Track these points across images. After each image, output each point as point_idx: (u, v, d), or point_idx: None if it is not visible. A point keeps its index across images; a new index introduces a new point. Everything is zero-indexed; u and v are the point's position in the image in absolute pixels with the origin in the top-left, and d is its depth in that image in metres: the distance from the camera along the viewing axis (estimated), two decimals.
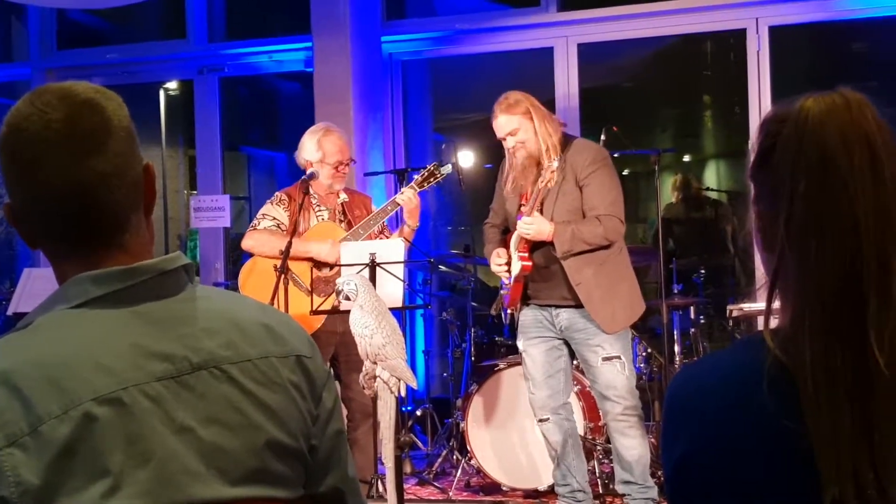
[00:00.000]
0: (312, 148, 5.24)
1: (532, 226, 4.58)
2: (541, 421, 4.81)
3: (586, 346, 4.68)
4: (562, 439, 4.77)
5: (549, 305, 4.75)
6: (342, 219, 5.26)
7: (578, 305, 4.66)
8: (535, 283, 4.75)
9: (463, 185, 6.30)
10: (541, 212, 4.65)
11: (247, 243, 5.21)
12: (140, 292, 1.33)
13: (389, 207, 5.16)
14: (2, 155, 1.35)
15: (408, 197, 5.13)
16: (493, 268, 4.83)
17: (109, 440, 1.22)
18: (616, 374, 4.64)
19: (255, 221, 5.24)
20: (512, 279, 4.75)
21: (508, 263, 4.77)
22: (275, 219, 5.20)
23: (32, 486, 1.18)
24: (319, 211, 5.24)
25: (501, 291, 4.92)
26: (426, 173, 5.22)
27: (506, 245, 4.82)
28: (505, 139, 4.71)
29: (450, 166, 5.28)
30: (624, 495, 4.76)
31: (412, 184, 5.22)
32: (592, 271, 4.64)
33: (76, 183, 1.32)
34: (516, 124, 4.66)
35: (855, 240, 1.17)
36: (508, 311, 4.91)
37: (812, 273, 1.18)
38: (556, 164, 4.51)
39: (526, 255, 4.68)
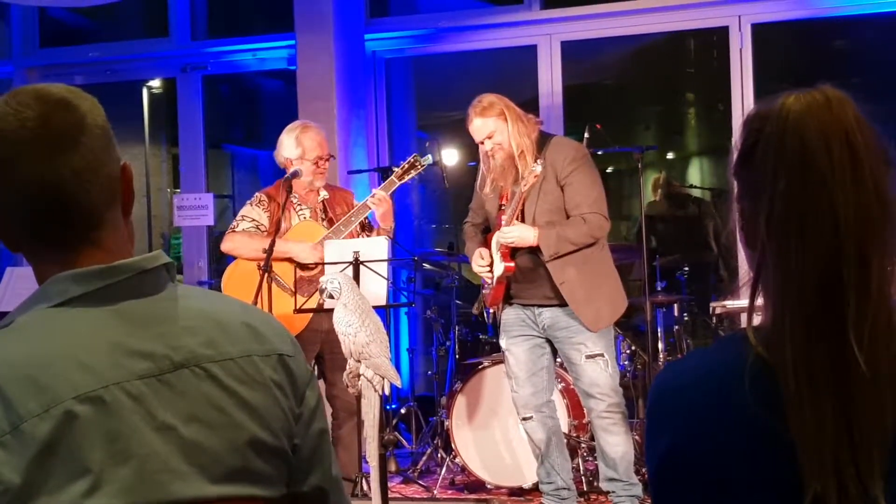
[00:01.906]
0: (291, 145, 5.22)
1: (512, 233, 4.58)
2: (524, 419, 4.83)
3: (569, 344, 4.69)
4: (545, 437, 4.78)
5: (532, 305, 4.76)
6: (323, 217, 5.24)
7: (562, 304, 4.67)
8: (517, 283, 4.76)
9: (447, 183, 6.30)
10: (522, 213, 4.65)
11: (226, 246, 5.21)
12: (120, 291, 1.33)
13: (362, 210, 5.16)
14: None
15: (378, 198, 5.13)
16: (476, 268, 4.84)
17: (90, 438, 1.22)
18: (599, 372, 4.65)
19: (234, 223, 5.22)
20: (494, 280, 4.75)
21: (490, 264, 4.77)
22: (254, 220, 5.18)
23: (13, 485, 1.18)
24: (301, 210, 5.22)
25: (483, 291, 4.93)
26: (406, 165, 5.25)
27: (487, 245, 4.82)
28: (483, 142, 4.71)
29: (430, 157, 5.31)
30: (609, 492, 4.77)
31: (384, 184, 5.24)
32: (576, 270, 4.64)
33: (50, 180, 1.32)
34: (492, 127, 4.66)
35: (835, 237, 1.18)
36: (491, 310, 4.93)
37: (792, 270, 1.19)
38: (538, 168, 4.50)
39: (508, 256, 4.68)
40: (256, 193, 5.29)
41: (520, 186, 4.58)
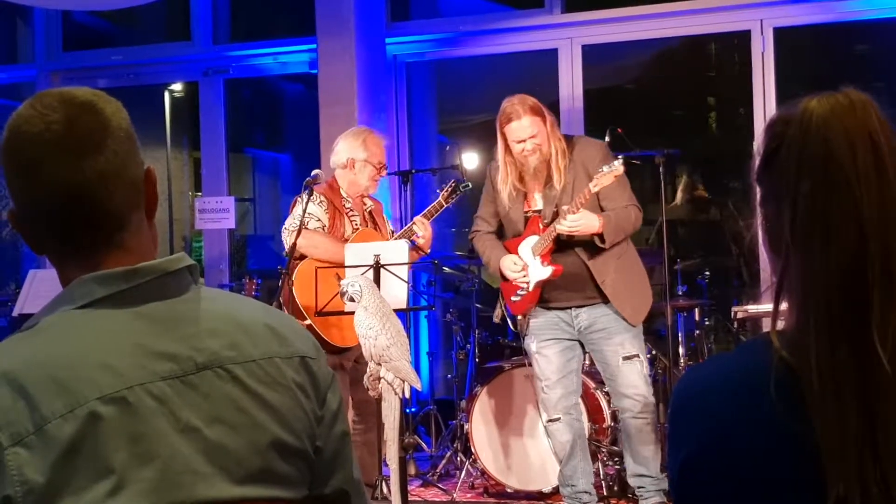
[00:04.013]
0: (358, 146, 5.19)
1: (581, 220, 4.55)
2: (551, 421, 4.82)
3: (606, 346, 4.72)
4: (571, 439, 4.78)
5: (570, 307, 4.76)
6: (372, 226, 5.24)
7: (600, 303, 4.70)
8: (557, 287, 4.75)
9: (472, 185, 6.30)
10: (556, 215, 4.65)
11: (301, 242, 4.91)
12: (144, 293, 1.34)
13: (408, 233, 5.23)
14: (4, 158, 1.36)
15: (426, 227, 5.22)
16: (511, 275, 4.77)
17: (114, 439, 1.23)
18: (636, 373, 4.70)
19: (305, 220, 4.96)
20: (532, 286, 4.74)
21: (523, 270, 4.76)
22: (319, 220, 5.07)
23: (37, 485, 1.18)
24: (353, 215, 5.20)
25: (512, 298, 4.88)
26: (449, 190, 5.34)
27: (508, 252, 4.82)
28: (525, 141, 4.67)
29: (469, 185, 5.39)
30: (638, 487, 4.79)
31: (428, 211, 5.30)
32: (614, 266, 4.70)
33: (74, 182, 1.32)
34: (538, 127, 4.66)
35: (859, 239, 1.17)
36: (519, 317, 4.89)
37: (816, 273, 1.19)
38: (619, 165, 4.51)
39: (549, 259, 4.69)
40: (312, 190, 5.05)
41: (590, 185, 4.55)
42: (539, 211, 4.77)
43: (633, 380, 4.69)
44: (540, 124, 4.65)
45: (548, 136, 4.66)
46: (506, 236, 4.92)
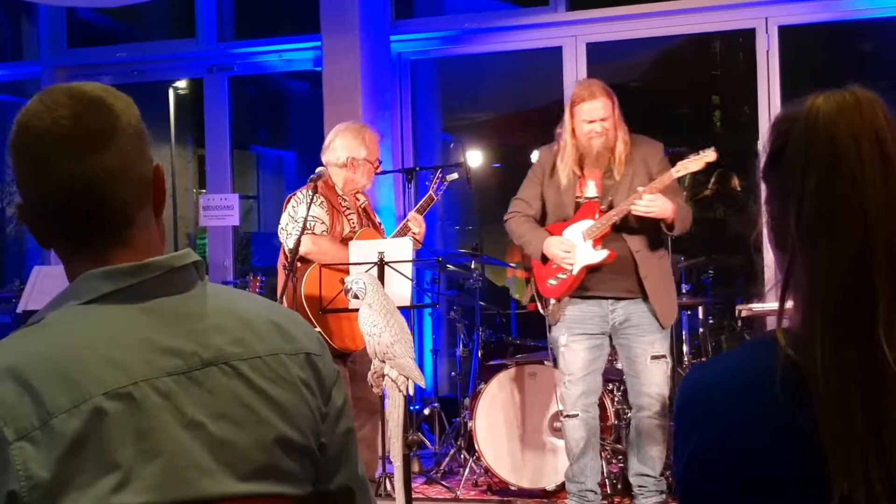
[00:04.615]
0: (358, 144, 5.14)
1: (657, 202, 4.55)
2: (568, 416, 4.81)
3: (638, 343, 4.73)
4: (585, 437, 4.78)
5: (608, 298, 4.77)
6: (367, 222, 5.23)
7: (637, 299, 4.72)
8: (600, 274, 4.75)
9: (471, 186, 6.30)
10: (612, 204, 4.70)
11: (309, 249, 4.87)
12: (150, 288, 1.34)
13: (403, 231, 5.26)
14: (12, 152, 1.36)
15: (419, 223, 5.26)
16: (560, 254, 4.72)
17: (119, 434, 1.23)
18: (661, 373, 4.72)
19: (309, 225, 4.86)
20: (577, 268, 4.73)
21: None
22: (323, 223, 4.99)
23: (42, 481, 1.18)
24: (349, 213, 5.17)
25: (550, 282, 4.83)
26: (435, 183, 5.41)
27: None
28: (594, 122, 4.70)
29: (455, 174, 5.38)
30: (639, 486, 4.79)
31: (420, 205, 5.32)
32: (655, 264, 4.74)
33: (81, 178, 1.32)
34: (609, 112, 4.70)
35: (864, 236, 1.17)
36: (552, 302, 4.86)
37: (822, 270, 1.18)
38: (710, 151, 4.64)
39: (600, 245, 4.72)
40: (309, 192, 4.93)
41: (673, 170, 4.64)
42: (595, 198, 4.78)
43: (657, 379, 4.71)
44: (611, 109, 4.71)
45: (615, 124, 4.71)
46: (548, 221, 4.90)
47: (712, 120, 10.66)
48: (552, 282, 4.82)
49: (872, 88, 1.25)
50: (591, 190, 4.79)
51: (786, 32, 6.65)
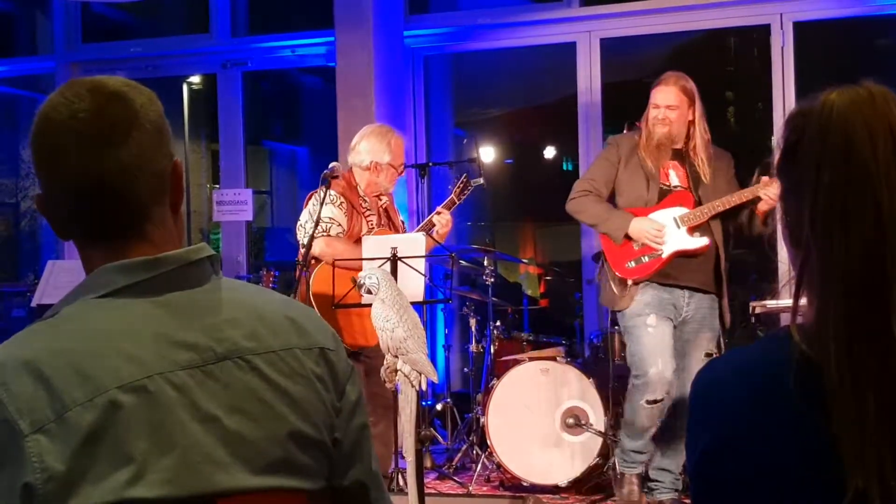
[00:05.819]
0: (383, 149, 5.14)
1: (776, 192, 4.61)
2: (653, 402, 4.74)
3: (698, 338, 4.79)
4: (660, 421, 4.79)
5: (685, 288, 4.79)
6: (387, 223, 5.22)
7: (709, 294, 4.81)
8: (685, 262, 4.79)
9: (484, 182, 6.30)
10: (698, 199, 4.78)
11: (323, 250, 4.89)
12: (165, 282, 1.34)
13: (427, 226, 5.25)
14: (33, 144, 1.37)
15: (446, 219, 5.21)
16: (652, 233, 4.74)
17: (134, 428, 1.23)
18: None
19: (325, 227, 4.90)
20: (667, 252, 4.75)
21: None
22: (340, 225, 4.99)
23: (57, 473, 1.19)
24: (369, 215, 5.16)
25: (629, 264, 4.83)
26: (461, 185, 5.35)
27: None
28: (660, 108, 4.79)
29: (480, 180, 5.38)
30: (656, 481, 4.81)
31: (447, 203, 5.30)
32: (726, 265, 4.82)
33: (96, 172, 1.33)
34: (680, 105, 4.79)
35: (878, 231, 1.17)
36: (629, 282, 4.83)
37: (836, 264, 1.18)
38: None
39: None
40: (330, 192, 4.94)
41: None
42: (683, 188, 4.83)
43: None
44: (684, 104, 4.79)
45: (686, 121, 4.80)
46: (620, 205, 4.91)
47: (726, 116, 10.62)
48: (631, 264, 4.84)
49: (887, 84, 1.25)
50: (674, 180, 4.84)
51: (800, 28, 6.63)
